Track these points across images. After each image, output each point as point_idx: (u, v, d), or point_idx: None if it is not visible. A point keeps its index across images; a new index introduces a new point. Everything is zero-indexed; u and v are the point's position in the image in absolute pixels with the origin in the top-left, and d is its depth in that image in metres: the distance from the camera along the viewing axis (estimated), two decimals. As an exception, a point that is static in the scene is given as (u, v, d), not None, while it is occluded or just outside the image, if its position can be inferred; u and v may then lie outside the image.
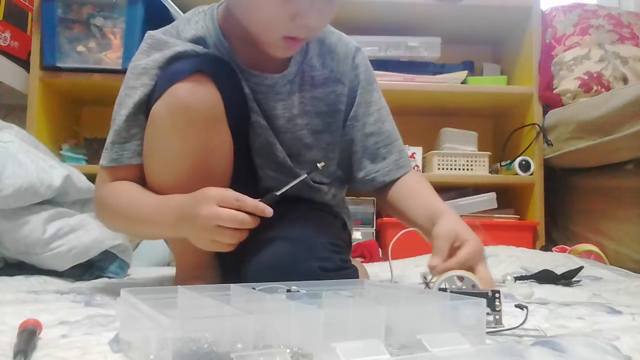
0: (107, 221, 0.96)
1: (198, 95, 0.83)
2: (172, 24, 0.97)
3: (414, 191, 1.00)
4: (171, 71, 0.85)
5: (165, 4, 1.84)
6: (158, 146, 0.86)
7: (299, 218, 0.93)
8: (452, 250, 0.81)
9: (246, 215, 0.77)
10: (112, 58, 1.87)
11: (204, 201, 0.77)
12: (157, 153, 0.87)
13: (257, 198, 0.81)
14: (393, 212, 1.04)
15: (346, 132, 1.02)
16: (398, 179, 1.02)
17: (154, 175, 0.88)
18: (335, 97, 1.00)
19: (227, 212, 0.76)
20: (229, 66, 0.90)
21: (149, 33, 0.94)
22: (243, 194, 0.80)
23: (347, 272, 0.85)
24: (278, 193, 0.82)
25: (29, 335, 0.54)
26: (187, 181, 0.84)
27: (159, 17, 1.85)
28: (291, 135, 0.97)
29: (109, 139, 0.91)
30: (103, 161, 0.91)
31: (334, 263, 0.85)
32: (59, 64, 1.86)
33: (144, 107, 0.88)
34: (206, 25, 0.94)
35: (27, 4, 1.91)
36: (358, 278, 0.86)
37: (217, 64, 0.88)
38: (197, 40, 0.93)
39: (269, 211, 0.78)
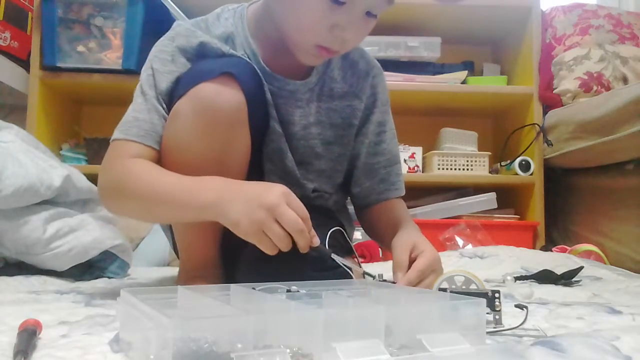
0: (118, 200, 0.87)
1: (223, 96, 0.83)
2: (201, 17, 0.96)
3: (394, 216, 1.01)
4: (198, 70, 0.86)
5: (165, 4, 1.84)
6: (178, 142, 0.85)
7: None
8: (411, 260, 0.82)
9: (305, 230, 0.74)
10: (112, 58, 1.87)
11: (277, 190, 0.74)
12: (176, 149, 0.85)
13: None
14: (369, 229, 1.07)
15: (353, 146, 1.04)
16: (388, 200, 1.04)
17: (170, 167, 0.86)
18: (351, 112, 1.01)
19: (292, 213, 0.73)
20: (254, 71, 0.90)
21: (177, 22, 0.94)
22: None
23: (339, 271, 0.85)
24: (332, 255, 0.80)
25: (29, 335, 0.54)
26: None
27: (159, 17, 1.85)
28: (304, 142, 0.98)
29: (133, 113, 0.87)
30: (122, 134, 0.86)
31: (325, 263, 0.85)
32: (59, 64, 1.86)
33: (169, 94, 0.88)
34: (235, 23, 0.95)
35: (27, 4, 1.91)
36: (351, 278, 0.86)
37: (244, 68, 0.88)
38: (226, 39, 0.94)
39: (305, 248, 0.75)
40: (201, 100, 0.82)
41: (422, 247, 0.84)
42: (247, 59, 0.92)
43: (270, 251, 0.74)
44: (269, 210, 0.72)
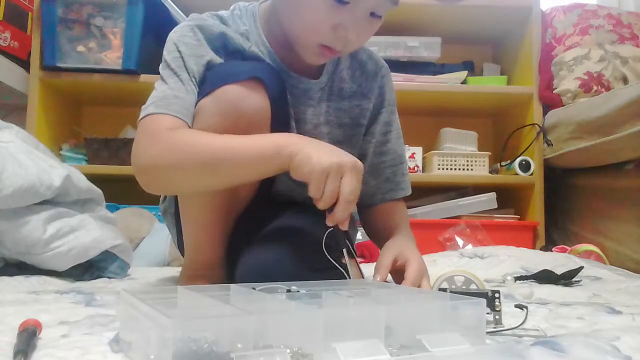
0: (169, 172, 0.82)
1: (248, 101, 0.83)
2: (215, 12, 0.96)
3: (393, 221, 1.01)
4: (225, 70, 0.86)
5: (165, 4, 1.84)
6: None
7: (291, 219, 0.94)
8: (395, 267, 0.84)
9: (352, 206, 0.75)
10: (112, 58, 1.87)
11: (355, 159, 0.76)
12: None
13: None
14: (369, 230, 1.07)
15: (361, 146, 1.04)
16: (392, 200, 1.05)
17: None
18: (360, 112, 1.02)
19: (354, 184, 0.74)
20: (278, 75, 0.91)
21: (194, 14, 0.94)
22: (258, 192, 0.79)
23: (336, 271, 0.85)
24: (344, 249, 0.82)
25: (29, 335, 0.54)
26: None
27: (159, 17, 1.86)
28: None
29: (170, 92, 0.85)
30: (162, 109, 0.83)
31: (322, 263, 0.85)
32: (59, 64, 1.86)
33: (197, 80, 0.87)
34: (248, 22, 0.96)
35: (27, 4, 1.91)
36: (349, 278, 0.86)
37: (270, 73, 0.88)
38: (241, 35, 0.94)
39: (335, 221, 0.77)
40: (226, 102, 0.82)
41: (407, 254, 0.85)
42: (262, 57, 0.93)
43: (315, 193, 0.74)
44: (342, 165, 0.73)
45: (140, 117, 0.85)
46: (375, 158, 1.05)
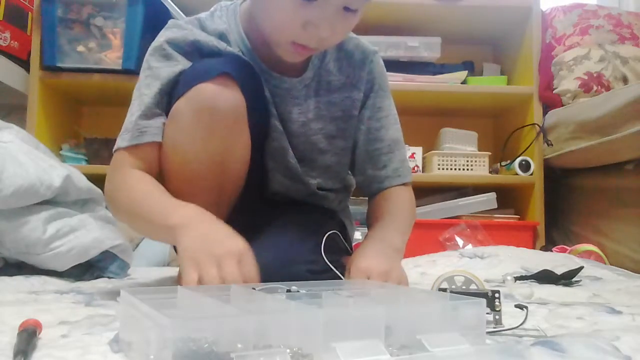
0: (114, 209, 0.92)
1: (222, 98, 0.82)
2: (195, 16, 0.96)
3: (383, 210, 0.99)
4: (197, 69, 0.85)
5: (165, 4, 1.84)
6: (178, 143, 0.85)
7: (290, 221, 0.93)
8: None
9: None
10: (112, 58, 1.87)
11: (232, 246, 0.71)
12: (176, 150, 0.85)
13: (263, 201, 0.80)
14: (367, 221, 1.05)
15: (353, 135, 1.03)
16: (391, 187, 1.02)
17: (170, 168, 0.87)
18: (351, 103, 1.00)
19: (236, 275, 0.67)
20: (253, 69, 0.90)
21: (172, 21, 0.95)
22: (252, 195, 0.78)
23: (335, 273, 0.85)
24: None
25: (29, 335, 0.54)
26: (203, 179, 0.84)
27: (159, 17, 1.85)
28: (304, 139, 0.97)
29: (129, 117, 0.88)
30: (120, 142, 0.88)
31: (321, 265, 0.85)
32: (59, 64, 1.86)
33: (167, 88, 0.87)
34: (228, 21, 0.95)
35: (27, 4, 1.91)
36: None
37: (242, 66, 0.87)
38: (220, 36, 0.93)
39: None
40: (200, 102, 0.82)
41: (367, 268, 0.82)
42: (243, 56, 0.92)
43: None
44: (212, 259, 0.68)
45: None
46: (370, 145, 1.01)
